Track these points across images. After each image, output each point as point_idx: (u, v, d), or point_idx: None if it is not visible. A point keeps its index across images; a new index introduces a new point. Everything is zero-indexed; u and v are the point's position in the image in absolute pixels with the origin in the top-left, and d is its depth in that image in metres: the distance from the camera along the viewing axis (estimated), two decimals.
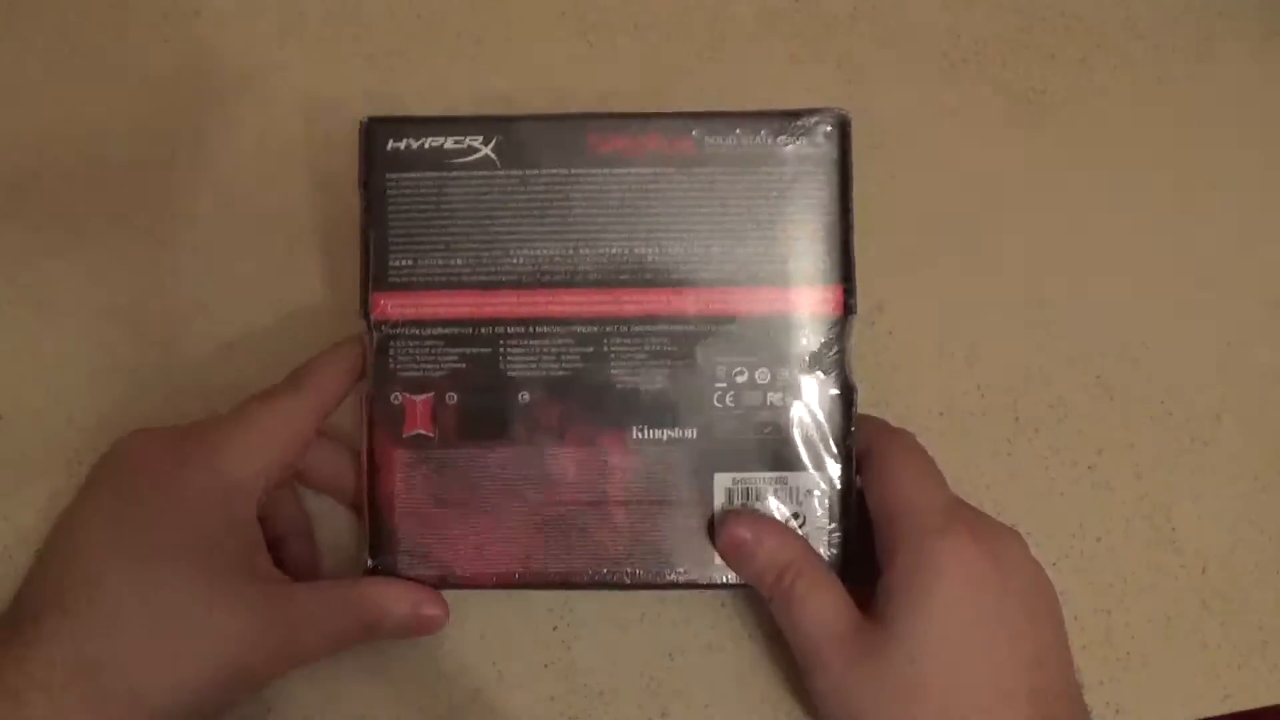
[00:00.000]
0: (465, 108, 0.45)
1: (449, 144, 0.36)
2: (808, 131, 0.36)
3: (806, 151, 0.36)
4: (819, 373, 0.36)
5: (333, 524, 0.40)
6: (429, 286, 0.36)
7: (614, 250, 0.36)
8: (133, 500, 0.34)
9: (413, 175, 0.36)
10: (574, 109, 0.37)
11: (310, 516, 0.40)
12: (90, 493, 0.36)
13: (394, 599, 0.36)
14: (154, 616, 0.32)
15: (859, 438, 0.37)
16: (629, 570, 0.36)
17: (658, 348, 0.36)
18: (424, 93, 0.45)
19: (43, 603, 0.32)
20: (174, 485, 0.34)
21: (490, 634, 0.40)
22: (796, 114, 0.37)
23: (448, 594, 0.40)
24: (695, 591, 0.40)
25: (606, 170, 0.36)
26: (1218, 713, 0.41)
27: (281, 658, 0.34)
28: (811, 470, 0.36)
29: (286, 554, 0.38)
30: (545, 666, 0.40)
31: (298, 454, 0.37)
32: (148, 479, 0.34)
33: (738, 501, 0.36)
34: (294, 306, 0.42)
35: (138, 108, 0.44)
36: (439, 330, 0.36)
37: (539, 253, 0.36)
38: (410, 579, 0.36)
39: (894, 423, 0.38)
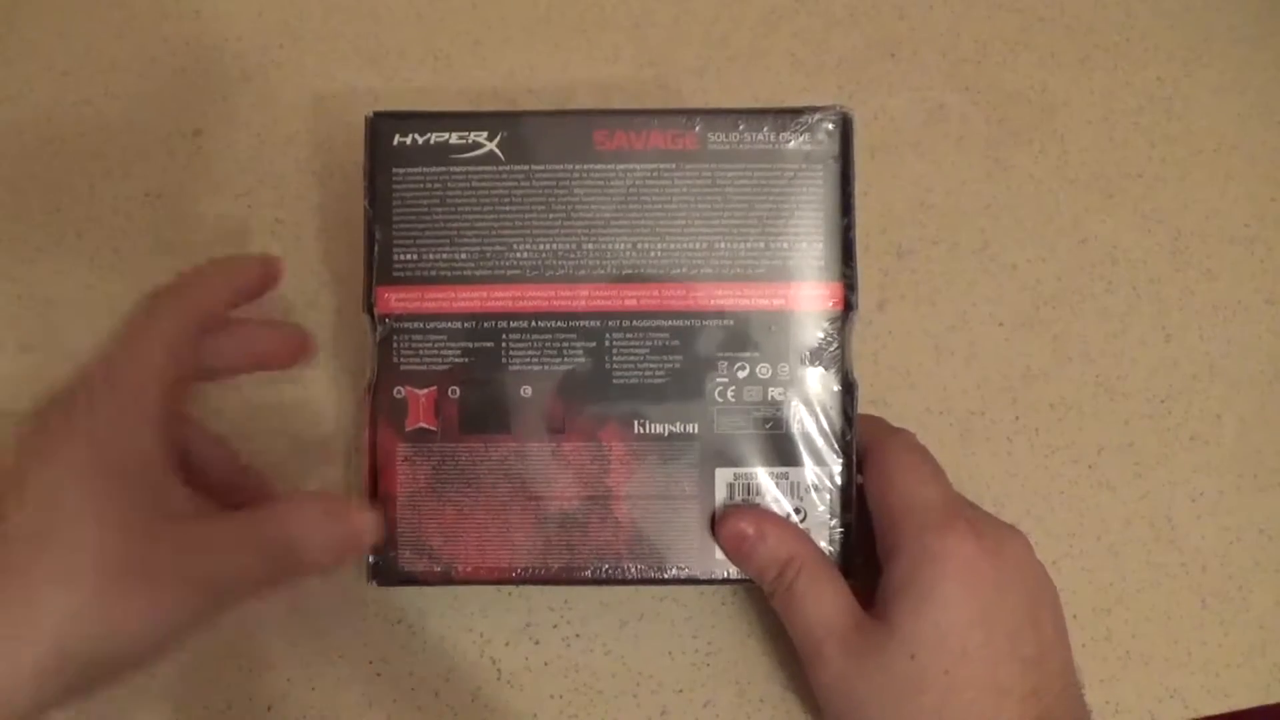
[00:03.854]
0: (465, 107, 0.45)
1: (454, 139, 0.36)
2: (810, 128, 0.37)
3: (809, 148, 0.36)
4: (820, 368, 0.36)
5: None
6: (433, 280, 0.36)
7: (617, 245, 0.36)
8: (49, 432, 0.31)
9: (418, 170, 0.36)
10: (575, 108, 0.37)
11: (229, 446, 0.37)
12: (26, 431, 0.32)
13: (305, 508, 0.32)
14: (63, 544, 0.29)
15: (859, 437, 0.37)
16: (630, 566, 0.36)
17: (659, 343, 0.36)
18: (424, 93, 0.45)
19: None
20: (81, 412, 0.31)
21: (490, 632, 0.40)
22: (799, 111, 0.37)
23: (448, 592, 0.40)
24: (696, 590, 0.40)
25: (610, 166, 0.36)
26: (1218, 712, 0.41)
27: (192, 596, 0.30)
28: (812, 465, 0.36)
29: (214, 484, 0.35)
30: (545, 665, 0.40)
31: (186, 353, 0.33)
32: (61, 408, 0.31)
33: (739, 496, 0.36)
34: (295, 304, 0.42)
35: (138, 107, 0.44)
36: (442, 324, 0.36)
37: (542, 247, 0.36)
38: (412, 573, 0.36)
39: (894, 423, 0.38)
